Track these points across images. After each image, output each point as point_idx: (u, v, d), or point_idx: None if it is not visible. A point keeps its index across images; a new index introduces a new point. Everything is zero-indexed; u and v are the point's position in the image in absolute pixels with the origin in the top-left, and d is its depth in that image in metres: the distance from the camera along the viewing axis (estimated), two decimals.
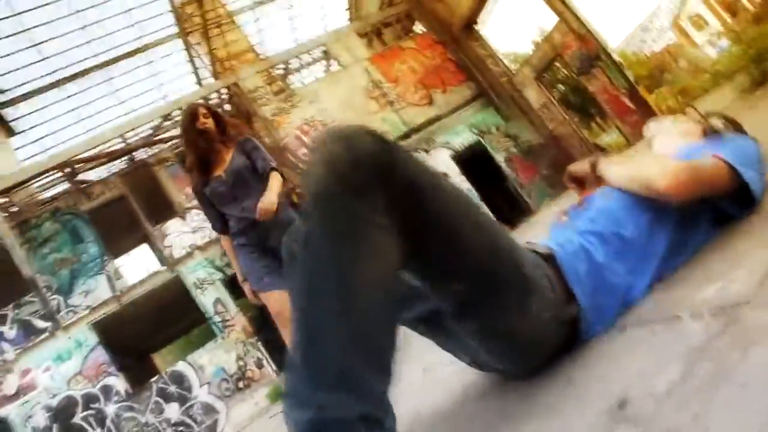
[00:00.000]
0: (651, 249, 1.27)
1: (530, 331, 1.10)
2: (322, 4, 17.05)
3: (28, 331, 10.77)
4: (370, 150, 0.94)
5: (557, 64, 16.00)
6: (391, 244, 0.93)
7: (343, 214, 0.91)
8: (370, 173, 0.93)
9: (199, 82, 16.04)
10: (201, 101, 3.41)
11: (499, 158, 13.80)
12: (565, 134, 13.97)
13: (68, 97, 14.42)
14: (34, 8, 12.54)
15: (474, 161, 13.46)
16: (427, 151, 13.12)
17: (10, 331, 10.71)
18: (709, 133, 1.62)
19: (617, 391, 0.86)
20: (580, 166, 1.62)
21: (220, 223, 3.15)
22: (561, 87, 26.27)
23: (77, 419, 10.04)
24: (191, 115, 3.09)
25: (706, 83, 15.31)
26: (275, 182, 3.09)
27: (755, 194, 1.30)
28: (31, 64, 13.27)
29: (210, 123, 3.08)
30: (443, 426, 1.29)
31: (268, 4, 15.56)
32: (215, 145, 3.11)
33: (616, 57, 13.64)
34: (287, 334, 3.04)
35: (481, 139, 13.85)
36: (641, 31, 37.20)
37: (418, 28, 15.36)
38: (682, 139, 1.64)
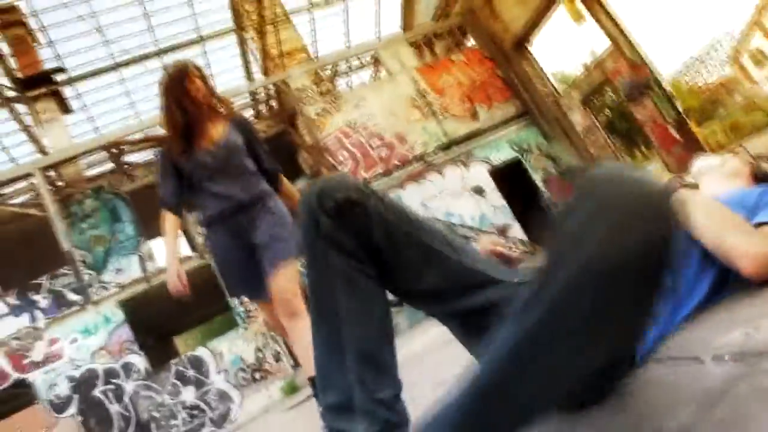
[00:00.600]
0: (691, 297, 1.23)
1: (592, 392, 1.05)
2: (377, 11, 17.13)
3: (60, 302, 11.11)
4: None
5: (606, 89, 15.78)
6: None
7: (654, 285, 0.77)
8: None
9: (249, 77, 16.35)
10: (191, 61, 2.87)
11: (537, 177, 13.66)
12: (606, 160, 13.75)
13: (124, 80, 14.90)
14: None
15: (511, 178, 13.36)
16: (465, 164, 13.07)
17: (44, 300, 11.07)
18: (759, 176, 1.56)
19: (629, 428, 0.85)
20: None
21: (177, 199, 2.74)
22: (608, 112, 25.87)
23: (97, 392, 10.30)
24: (181, 73, 2.67)
25: (760, 121, 14.89)
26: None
27: None
28: (93, 47, 13.76)
29: (203, 88, 2.70)
30: None
31: (324, 7, 15.78)
32: (203, 113, 2.70)
33: (667, 87, 13.38)
34: (301, 347, 2.60)
35: (520, 157, 13.73)
36: (698, 62, 36.36)
37: (470, 42, 15.35)
38: (729, 181, 1.57)
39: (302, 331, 2.52)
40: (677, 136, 12.19)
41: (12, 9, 13.03)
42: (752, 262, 1.14)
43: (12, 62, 13.38)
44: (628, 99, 12.93)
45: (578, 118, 14.00)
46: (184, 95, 2.65)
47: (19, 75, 13.50)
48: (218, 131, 2.72)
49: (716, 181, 1.59)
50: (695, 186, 1.35)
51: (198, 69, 2.75)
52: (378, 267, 1.14)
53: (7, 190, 12.44)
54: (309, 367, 2.48)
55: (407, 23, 17.47)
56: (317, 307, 1.14)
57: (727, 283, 1.25)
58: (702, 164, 1.68)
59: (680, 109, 12.49)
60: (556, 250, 0.79)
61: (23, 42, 13.53)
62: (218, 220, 2.69)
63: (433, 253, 1.13)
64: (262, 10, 14.55)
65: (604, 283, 0.73)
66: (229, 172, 2.68)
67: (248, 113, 15.77)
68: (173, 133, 2.68)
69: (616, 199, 0.76)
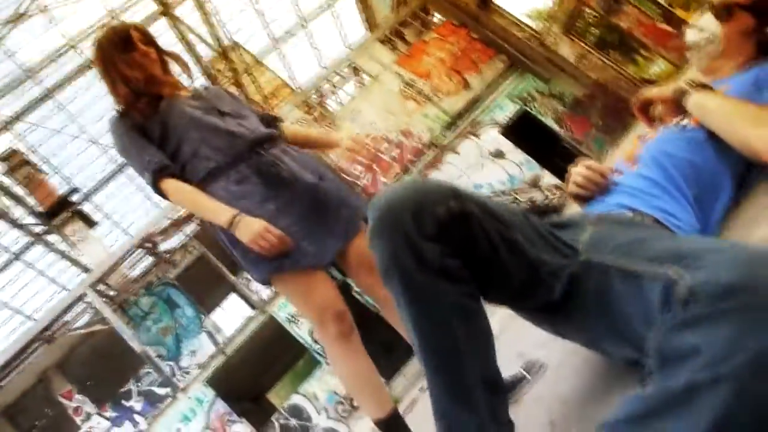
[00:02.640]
0: (718, 196, 1.22)
1: None
2: (338, 23, 17.23)
3: (153, 400, 11.49)
4: None
5: (583, 10, 15.50)
6: None
7: None
8: None
9: None
10: (131, 22, 2.08)
11: (549, 121, 13.49)
12: (609, 78, 13.48)
13: (132, 178, 15.34)
14: (86, 107, 13.48)
15: (524, 131, 13.24)
16: (475, 134, 13.01)
17: (138, 404, 11.48)
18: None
19: None
20: (658, 92, 1.43)
21: (165, 162, 1.87)
22: (594, 31, 25.30)
23: None
24: (121, 39, 1.96)
25: None
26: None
27: None
28: (94, 158, 14.23)
29: (153, 55, 2.01)
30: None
31: (288, 39, 15.95)
32: (159, 85, 2.00)
33: None
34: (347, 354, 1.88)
35: (526, 107, 13.60)
36: None
37: (436, 18, 15.28)
38: (729, 61, 1.43)
39: None
40: (670, 29, 11.89)
41: (14, 153, 13.58)
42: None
43: (30, 200, 13.94)
44: (608, 13, 12.68)
45: (567, 50, 13.77)
46: (128, 65, 1.95)
47: (40, 209, 14.05)
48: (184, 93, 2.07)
49: (714, 66, 1.47)
50: (708, 86, 1.29)
51: (142, 32, 2.03)
52: (477, 279, 1.03)
53: (69, 317, 12.94)
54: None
55: (371, 23, 17.50)
56: (431, 350, 0.99)
57: (750, 173, 1.25)
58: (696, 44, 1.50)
59: (661, 2, 12.20)
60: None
61: (33, 178, 14.07)
62: (231, 164, 1.88)
63: (518, 251, 1.04)
64: (232, 64, 14.81)
65: None
66: (227, 113, 2.00)
67: None
68: (126, 103, 1.97)
69: None
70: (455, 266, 0.96)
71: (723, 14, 1.43)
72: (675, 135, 1.33)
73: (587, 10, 17.15)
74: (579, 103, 13.72)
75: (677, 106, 1.34)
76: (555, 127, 13.41)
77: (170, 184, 1.85)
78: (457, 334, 0.97)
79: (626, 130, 12.13)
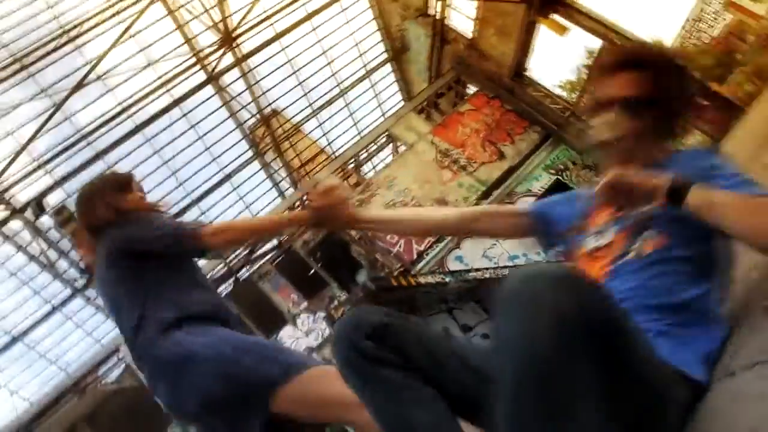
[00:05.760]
0: (702, 301, 1.27)
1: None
2: (375, 94, 17.92)
3: None
4: None
5: None
6: None
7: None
8: None
9: (281, 195, 17.07)
10: None
11: None
12: None
13: None
14: (131, 169, 14.08)
15: None
16: (511, 204, 13.10)
17: None
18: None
19: None
20: (643, 177, 1.30)
21: None
22: None
23: None
24: None
25: None
26: None
27: None
28: None
29: None
30: None
31: (327, 108, 16.60)
32: None
33: None
34: None
35: (560, 178, 13.69)
36: (695, 21, 35.95)
37: (471, 89, 15.75)
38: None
39: None
40: (704, 102, 11.99)
41: (63, 208, 14.21)
42: None
43: (74, 254, 14.46)
44: None
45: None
46: None
47: (82, 264, 14.51)
48: None
49: None
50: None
51: None
52: (430, 384, 1.21)
53: (101, 371, 13.12)
54: None
55: (408, 93, 18.13)
56: (388, 428, 1.20)
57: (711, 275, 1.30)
58: None
59: (696, 76, 12.37)
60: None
61: (79, 234, 14.61)
62: None
63: (461, 359, 1.26)
64: (273, 131, 15.42)
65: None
66: None
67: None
68: None
69: (516, 298, 0.95)
70: (395, 359, 1.18)
71: None
72: (635, 266, 1.35)
73: None
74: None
75: (663, 195, 1.24)
76: None
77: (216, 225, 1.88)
78: (413, 413, 1.15)
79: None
